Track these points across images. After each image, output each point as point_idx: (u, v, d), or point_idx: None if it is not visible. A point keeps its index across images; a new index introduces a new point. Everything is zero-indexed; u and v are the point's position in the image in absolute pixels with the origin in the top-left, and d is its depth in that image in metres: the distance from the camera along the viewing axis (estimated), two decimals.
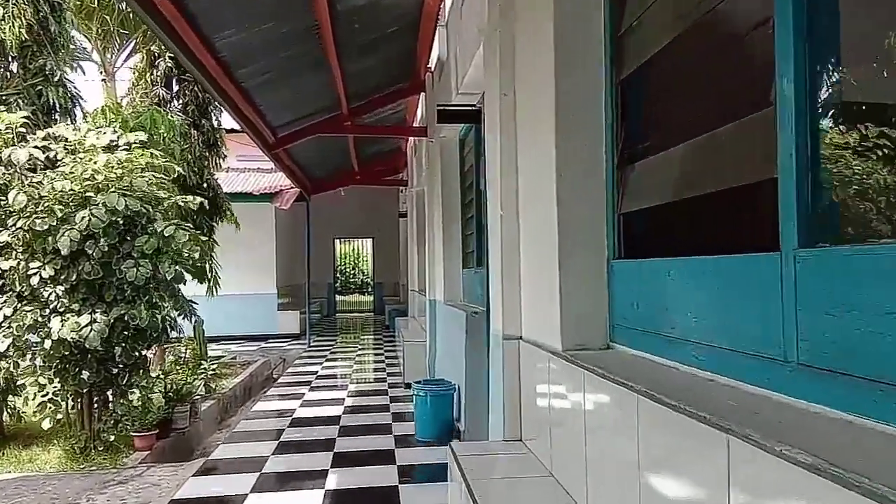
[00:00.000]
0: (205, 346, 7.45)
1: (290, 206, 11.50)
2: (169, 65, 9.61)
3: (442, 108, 5.01)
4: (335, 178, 11.54)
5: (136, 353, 5.28)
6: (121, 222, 5.06)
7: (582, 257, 2.46)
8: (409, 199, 11.79)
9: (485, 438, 5.14)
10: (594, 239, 2.46)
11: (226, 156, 9.99)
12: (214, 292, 10.20)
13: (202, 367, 7.26)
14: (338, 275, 23.52)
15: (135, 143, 5.44)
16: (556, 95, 2.39)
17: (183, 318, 9.77)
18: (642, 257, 2.22)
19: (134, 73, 9.95)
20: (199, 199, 5.85)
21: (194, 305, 10.06)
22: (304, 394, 7.44)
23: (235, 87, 5.22)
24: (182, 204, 5.86)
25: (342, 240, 24.14)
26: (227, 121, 12.46)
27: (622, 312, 2.36)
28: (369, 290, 22.60)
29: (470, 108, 4.93)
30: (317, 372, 9.12)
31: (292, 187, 11.84)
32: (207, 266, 10.34)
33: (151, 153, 5.46)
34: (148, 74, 9.73)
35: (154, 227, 5.16)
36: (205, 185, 9.55)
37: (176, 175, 5.87)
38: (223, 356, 11.02)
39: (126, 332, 5.14)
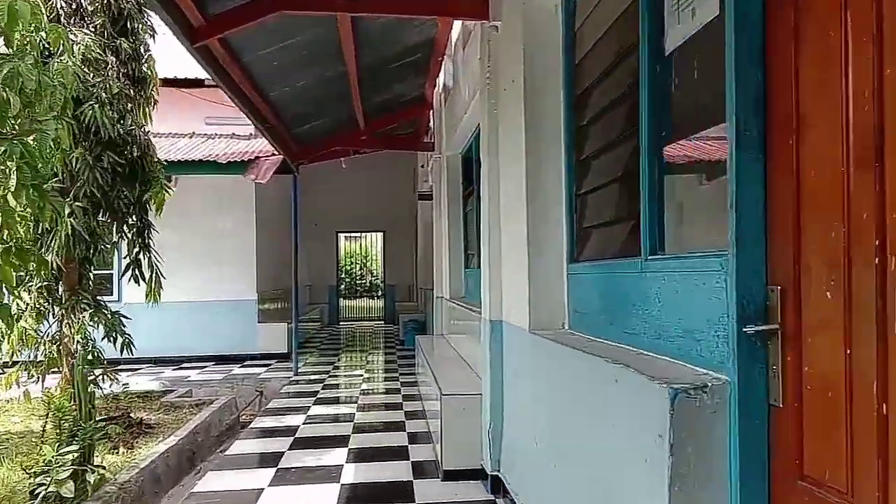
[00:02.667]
0: (88, 402, 4.22)
1: (268, 178, 8.22)
2: None
3: None
4: (333, 139, 8.21)
5: None
6: None
7: None
8: (435, 169, 8.44)
9: None
10: None
11: (157, 101, 6.71)
12: (156, 299, 7.00)
13: (72, 443, 3.92)
14: (343, 276, 20.22)
15: None
16: None
17: (105, 339, 6.60)
18: None
19: None
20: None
21: (125, 320, 6.91)
22: (261, 492, 4.09)
23: None
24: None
25: (348, 235, 20.83)
26: (181, 67, 9.18)
27: None
28: (379, 293, 19.27)
29: None
30: (297, 428, 5.78)
31: (273, 154, 8.53)
32: (145, 261, 7.13)
33: None
34: None
35: None
36: (127, 136, 6.30)
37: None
38: (168, 391, 7.72)
39: None
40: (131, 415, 6.47)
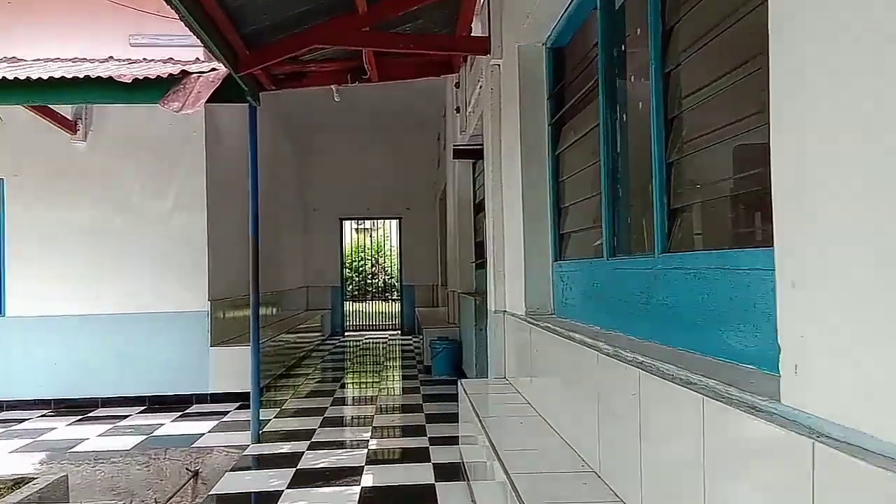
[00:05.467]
0: None
1: (200, 106, 4.71)
2: None
3: None
4: (310, 32, 4.61)
5: None
6: None
7: None
8: (489, 90, 4.80)
9: None
10: None
11: None
12: None
13: None
14: (350, 273, 16.74)
15: None
16: None
17: None
18: None
19: None
20: None
21: None
22: None
23: None
24: None
25: (357, 226, 17.36)
26: None
27: None
28: (394, 295, 15.77)
29: None
30: None
31: (212, 69, 5.03)
32: None
33: None
34: None
35: None
36: None
37: None
38: (20, 481, 4.24)
39: None
40: None
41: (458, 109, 7.28)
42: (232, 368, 6.64)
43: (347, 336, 13.76)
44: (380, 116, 11.96)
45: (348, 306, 14.86)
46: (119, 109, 6.74)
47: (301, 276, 13.06)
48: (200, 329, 6.74)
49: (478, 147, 6.69)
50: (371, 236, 17.70)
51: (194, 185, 6.77)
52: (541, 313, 4.03)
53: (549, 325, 3.42)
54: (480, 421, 3.41)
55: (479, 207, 7.89)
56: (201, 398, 6.72)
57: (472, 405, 3.86)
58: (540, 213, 4.08)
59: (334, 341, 12.76)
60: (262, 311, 9.59)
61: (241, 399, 6.60)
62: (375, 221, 16.18)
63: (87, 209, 6.69)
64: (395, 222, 14.36)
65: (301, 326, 10.67)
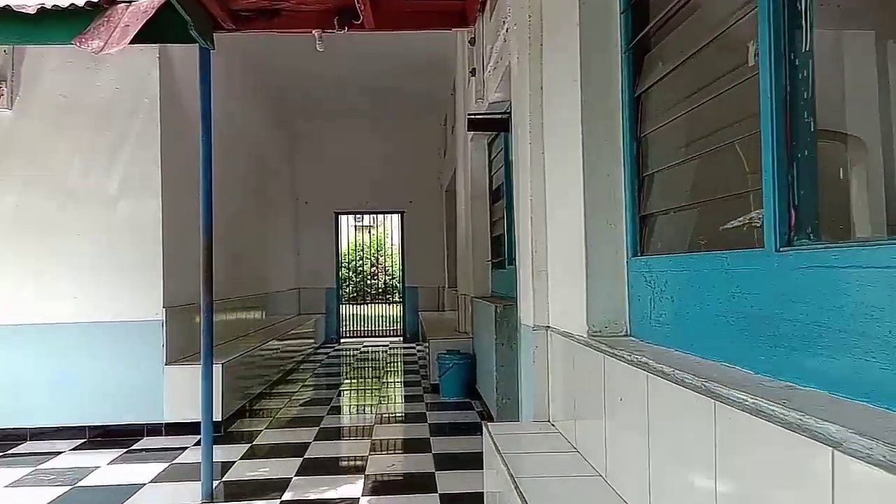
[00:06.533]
0: None
1: (125, 44, 3.44)
2: None
3: None
4: None
5: None
6: None
7: None
8: (530, 13, 3.46)
9: None
10: None
11: None
12: None
13: None
14: (348, 272, 15.43)
15: None
16: None
17: None
18: None
19: None
20: None
21: None
22: None
23: None
24: None
25: (356, 221, 16.04)
26: None
27: None
28: (396, 297, 14.46)
29: None
30: None
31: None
32: None
33: None
34: None
35: None
36: None
37: None
38: None
39: None
40: None
41: (472, 72, 5.94)
42: (192, 392, 5.28)
43: (343, 343, 12.43)
44: (379, 97, 10.64)
45: (345, 310, 13.54)
46: (53, 70, 5.43)
47: (292, 277, 11.76)
48: (153, 343, 5.41)
49: (499, 116, 5.37)
50: (370, 233, 16.37)
51: (145, 163, 5.44)
52: (610, 334, 2.70)
53: (647, 359, 2.06)
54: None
55: (496, 195, 6.57)
56: (154, 429, 5.39)
57: (512, 477, 2.52)
58: (610, 186, 2.73)
59: (328, 350, 11.43)
60: (245, 316, 8.32)
61: (193, 432, 5.26)
62: (375, 216, 14.84)
63: (11, 193, 5.37)
64: (396, 217, 13.03)
65: (291, 333, 9.38)
